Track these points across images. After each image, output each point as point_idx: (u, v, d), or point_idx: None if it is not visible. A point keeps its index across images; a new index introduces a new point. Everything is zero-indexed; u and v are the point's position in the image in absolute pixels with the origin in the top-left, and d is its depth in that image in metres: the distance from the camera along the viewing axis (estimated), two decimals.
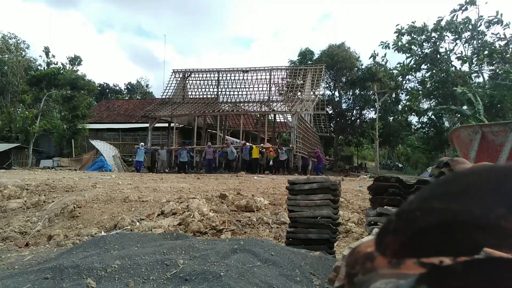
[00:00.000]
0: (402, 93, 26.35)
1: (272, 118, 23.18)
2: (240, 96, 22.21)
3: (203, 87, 23.07)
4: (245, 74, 22.56)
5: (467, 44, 21.91)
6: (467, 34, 21.54)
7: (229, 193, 4.80)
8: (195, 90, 23.19)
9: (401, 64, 23.43)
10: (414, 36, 22.30)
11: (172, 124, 20.50)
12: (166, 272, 1.96)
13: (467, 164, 1.40)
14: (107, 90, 46.28)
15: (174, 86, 22.78)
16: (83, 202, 4.37)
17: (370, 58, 25.07)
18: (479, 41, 20.79)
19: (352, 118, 29.49)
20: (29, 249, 3.33)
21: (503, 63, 19.80)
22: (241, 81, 22.57)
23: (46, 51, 25.94)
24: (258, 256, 2.15)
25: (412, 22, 22.49)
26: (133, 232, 3.38)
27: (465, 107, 16.63)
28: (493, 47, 20.11)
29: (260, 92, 22.04)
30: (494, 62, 20.38)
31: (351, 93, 29.07)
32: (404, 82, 24.54)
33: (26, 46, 31.09)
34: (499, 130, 5.70)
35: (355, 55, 28.43)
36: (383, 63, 24.89)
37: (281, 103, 20.03)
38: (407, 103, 25.74)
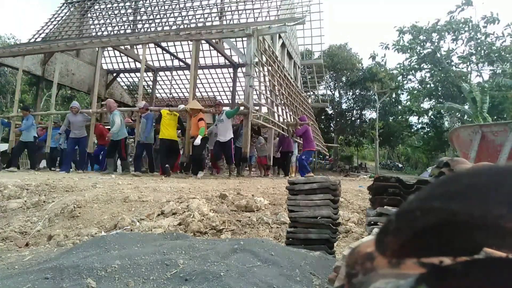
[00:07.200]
0: (402, 93, 26.42)
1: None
2: (168, 24, 12.77)
3: (114, 22, 13.72)
4: None
5: (465, 44, 21.97)
6: (466, 34, 21.59)
7: (229, 193, 4.80)
8: (101, 26, 13.79)
9: (401, 65, 23.50)
10: (415, 35, 22.36)
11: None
12: (166, 272, 1.96)
13: (467, 164, 1.40)
14: None
15: (59, 21, 13.89)
16: (83, 202, 4.37)
17: (369, 58, 25.19)
18: (478, 41, 20.84)
19: (352, 118, 29.53)
20: (29, 249, 3.33)
21: (502, 62, 19.84)
22: (169, 5, 13.31)
23: None
24: (258, 256, 2.15)
25: (416, 22, 22.58)
26: (133, 232, 3.37)
27: (467, 106, 16.66)
28: (493, 47, 20.15)
29: (202, 15, 12.54)
30: (493, 62, 20.43)
31: (351, 93, 29.10)
32: (405, 82, 24.61)
33: None
34: (499, 130, 5.70)
35: (357, 57, 28.48)
36: (383, 63, 25.00)
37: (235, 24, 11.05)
38: (407, 103, 25.81)
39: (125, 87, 18.72)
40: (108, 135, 8.16)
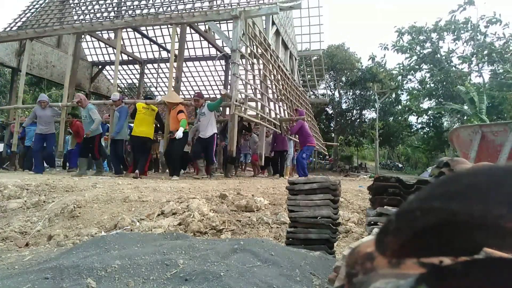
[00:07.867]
0: (402, 93, 26.45)
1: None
2: (155, 11, 10.12)
3: (96, 7, 11.26)
4: None
5: (466, 44, 21.99)
6: (467, 34, 21.61)
7: (229, 193, 4.80)
8: (81, 13, 11.27)
9: (400, 65, 23.54)
10: (415, 36, 22.37)
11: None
12: (166, 272, 1.96)
13: (467, 164, 1.40)
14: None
15: (38, 9, 11.99)
16: (83, 202, 4.37)
17: (368, 60, 25.24)
18: (479, 41, 20.85)
19: (352, 118, 29.53)
20: (29, 249, 3.33)
21: (502, 62, 19.86)
22: None
23: None
24: (258, 256, 2.15)
25: (414, 23, 22.61)
26: (133, 232, 3.37)
27: (466, 107, 16.69)
28: (493, 47, 20.17)
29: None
30: (493, 62, 20.46)
31: (351, 93, 29.11)
32: (405, 82, 24.64)
33: None
34: (499, 130, 5.70)
35: (356, 56, 28.50)
36: (383, 63, 25.05)
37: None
38: (407, 103, 25.85)
39: (112, 80, 18.22)
40: (87, 133, 7.11)
